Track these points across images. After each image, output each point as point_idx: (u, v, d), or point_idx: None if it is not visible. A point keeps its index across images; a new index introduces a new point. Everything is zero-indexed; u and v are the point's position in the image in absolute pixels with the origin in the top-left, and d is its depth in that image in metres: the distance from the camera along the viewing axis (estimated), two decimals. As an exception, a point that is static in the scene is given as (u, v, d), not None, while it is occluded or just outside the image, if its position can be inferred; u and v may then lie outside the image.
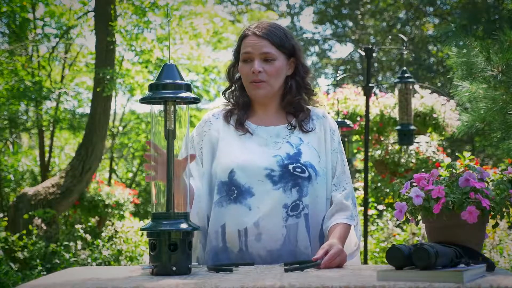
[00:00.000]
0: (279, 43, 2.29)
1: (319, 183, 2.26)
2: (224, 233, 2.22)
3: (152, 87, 1.89)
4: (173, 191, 1.89)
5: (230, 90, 2.42)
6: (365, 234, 5.70)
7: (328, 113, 7.33)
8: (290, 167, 2.23)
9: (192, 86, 1.94)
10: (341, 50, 25.65)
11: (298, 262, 2.11)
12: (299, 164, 2.24)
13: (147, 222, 1.94)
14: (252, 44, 2.29)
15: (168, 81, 1.88)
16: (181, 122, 1.94)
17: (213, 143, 2.33)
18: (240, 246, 2.20)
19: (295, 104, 2.36)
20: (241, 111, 2.37)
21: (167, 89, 1.87)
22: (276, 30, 2.31)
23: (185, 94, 1.87)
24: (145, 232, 1.90)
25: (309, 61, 20.83)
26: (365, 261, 5.56)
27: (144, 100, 1.89)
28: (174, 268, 1.83)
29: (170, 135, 1.90)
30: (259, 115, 2.38)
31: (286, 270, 1.90)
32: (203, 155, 2.33)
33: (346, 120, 6.50)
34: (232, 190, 2.23)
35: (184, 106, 1.94)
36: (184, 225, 1.87)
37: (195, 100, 1.90)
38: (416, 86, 7.30)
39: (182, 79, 1.90)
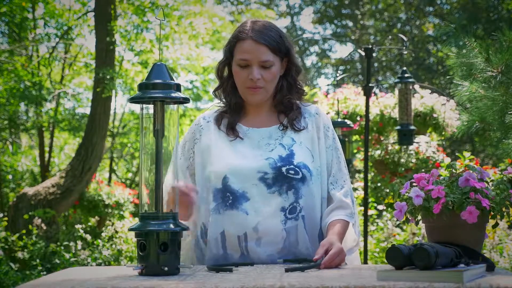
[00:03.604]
0: (276, 47, 2.26)
1: (314, 183, 2.24)
2: (224, 239, 2.21)
3: (141, 87, 1.89)
4: (161, 191, 1.89)
5: (221, 88, 2.39)
6: (365, 234, 5.70)
7: (328, 113, 7.34)
8: (283, 169, 2.21)
9: (181, 86, 1.94)
10: (341, 50, 25.65)
11: (298, 261, 2.11)
12: (292, 166, 2.22)
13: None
14: (250, 50, 2.24)
15: (157, 81, 1.88)
16: (170, 121, 1.94)
17: (204, 150, 2.31)
18: (241, 251, 2.20)
19: (285, 103, 2.34)
20: (233, 112, 2.35)
21: (157, 89, 1.87)
22: (272, 32, 2.27)
23: (174, 94, 1.87)
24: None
25: (309, 61, 20.84)
26: (365, 261, 5.55)
27: (133, 100, 1.89)
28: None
29: (159, 134, 1.90)
30: (251, 117, 2.36)
31: (286, 271, 1.90)
32: (195, 163, 2.32)
33: (346, 120, 6.50)
34: (227, 196, 2.20)
35: (175, 106, 1.94)
36: (172, 225, 1.87)
37: (185, 100, 1.89)
38: (416, 86, 7.30)
39: (171, 79, 1.89)
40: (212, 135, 2.33)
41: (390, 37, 16.73)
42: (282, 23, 20.97)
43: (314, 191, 2.24)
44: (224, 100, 2.38)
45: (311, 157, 2.28)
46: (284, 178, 2.21)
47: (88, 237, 8.07)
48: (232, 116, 2.34)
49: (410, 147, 7.06)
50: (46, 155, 10.58)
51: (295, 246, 2.19)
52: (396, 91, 6.05)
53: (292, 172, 2.21)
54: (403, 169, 7.05)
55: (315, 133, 2.32)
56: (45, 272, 6.86)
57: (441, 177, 2.00)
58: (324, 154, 2.31)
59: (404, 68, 5.98)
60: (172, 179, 2.00)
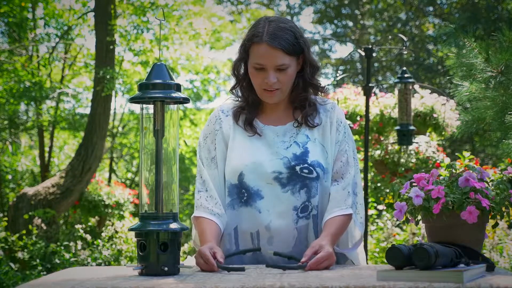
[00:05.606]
0: (292, 49, 2.24)
1: (327, 180, 2.27)
2: (237, 235, 2.24)
3: (141, 87, 1.89)
4: (161, 190, 1.89)
5: (238, 86, 2.38)
6: (365, 234, 5.70)
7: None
8: (297, 168, 2.23)
9: (181, 86, 1.94)
10: (341, 50, 25.63)
11: (288, 257, 2.12)
12: (306, 165, 2.24)
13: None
14: (265, 55, 2.22)
15: (157, 81, 1.88)
16: (170, 121, 1.94)
17: (226, 141, 2.33)
18: (253, 248, 2.22)
19: (301, 100, 2.34)
20: (250, 109, 2.35)
21: (157, 89, 1.87)
22: (287, 34, 2.24)
23: (174, 94, 1.87)
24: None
25: (309, 61, 20.75)
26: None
27: (133, 100, 1.89)
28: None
29: (159, 134, 1.90)
30: (267, 113, 2.36)
31: (267, 266, 1.97)
32: (217, 156, 2.32)
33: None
34: (243, 193, 2.24)
35: (175, 106, 1.94)
36: (172, 225, 1.87)
37: (185, 100, 1.90)
38: (416, 86, 7.29)
39: (171, 79, 1.90)
40: (231, 130, 2.34)
41: (390, 37, 16.73)
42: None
43: (328, 188, 2.27)
44: (241, 96, 2.38)
45: (325, 153, 2.29)
46: (298, 177, 2.23)
47: (88, 237, 8.06)
48: (250, 113, 2.35)
49: (410, 147, 7.05)
50: (46, 155, 10.57)
51: (305, 245, 2.21)
52: (396, 91, 6.05)
53: (306, 171, 2.23)
54: (403, 169, 7.04)
55: (328, 128, 2.33)
56: (45, 272, 6.85)
57: (441, 177, 2.00)
58: (334, 149, 2.31)
59: (404, 68, 5.97)
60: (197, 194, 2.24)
